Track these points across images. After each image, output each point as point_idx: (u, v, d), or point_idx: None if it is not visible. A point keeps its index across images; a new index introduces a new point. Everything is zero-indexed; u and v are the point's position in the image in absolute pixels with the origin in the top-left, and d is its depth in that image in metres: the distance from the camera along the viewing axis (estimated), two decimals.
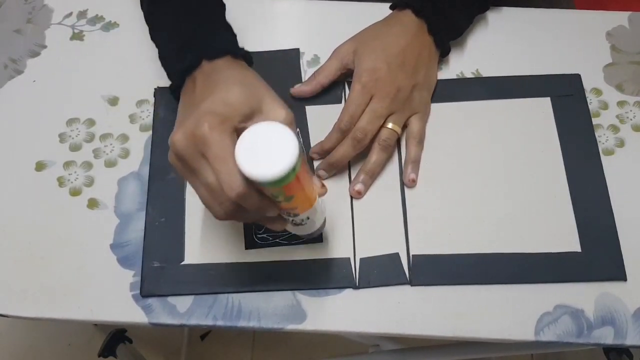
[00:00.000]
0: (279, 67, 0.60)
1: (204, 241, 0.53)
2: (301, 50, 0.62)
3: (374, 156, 0.54)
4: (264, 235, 0.52)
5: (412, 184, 0.54)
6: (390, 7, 0.60)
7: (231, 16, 0.64)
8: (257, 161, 0.34)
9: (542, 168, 0.56)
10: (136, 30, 0.61)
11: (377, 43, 0.56)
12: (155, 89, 0.60)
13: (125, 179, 0.56)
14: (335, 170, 0.55)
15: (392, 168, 0.56)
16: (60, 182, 0.55)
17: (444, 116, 0.58)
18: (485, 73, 0.61)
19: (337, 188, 0.55)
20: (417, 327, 0.49)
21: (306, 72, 0.61)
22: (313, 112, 0.58)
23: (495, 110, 0.58)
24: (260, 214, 0.41)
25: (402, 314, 0.50)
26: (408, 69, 0.55)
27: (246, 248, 0.52)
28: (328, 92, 0.59)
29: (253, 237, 0.52)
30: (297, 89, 0.58)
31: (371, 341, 0.80)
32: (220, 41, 0.49)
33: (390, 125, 0.54)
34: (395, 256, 0.52)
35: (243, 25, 0.63)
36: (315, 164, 0.56)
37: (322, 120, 0.57)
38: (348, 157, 0.54)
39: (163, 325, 0.50)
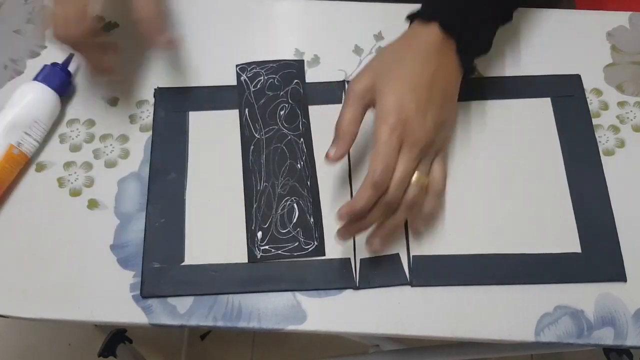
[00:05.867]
0: (284, 77, 0.60)
1: (204, 242, 0.53)
2: (301, 50, 0.62)
3: (400, 214, 0.48)
4: (267, 247, 0.52)
5: (418, 235, 0.50)
6: (409, 18, 0.52)
7: (231, 16, 0.64)
8: None
9: (542, 168, 0.56)
10: (136, 30, 0.61)
11: (400, 73, 0.48)
12: (155, 89, 0.60)
13: (125, 180, 0.56)
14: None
15: None
16: (60, 182, 0.55)
17: None
18: (485, 73, 0.61)
19: (338, 188, 0.55)
20: (417, 328, 0.49)
21: (306, 71, 0.61)
22: (315, 112, 0.58)
23: (495, 111, 0.58)
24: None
25: (402, 315, 0.50)
26: (436, 102, 0.48)
27: (249, 262, 0.52)
28: (328, 92, 0.59)
29: (255, 250, 0.52)
30: (333, 155, 0.47)
31: (371, 341, 0.80)
32: None
33: (415, 177, 0.47)
34: (396, 257, 0.52)
35: (243, 25, 0.63)
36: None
37: (324, 119, 0.57)
38: (376, 222, 0.48)
39: (163, 326, 0.50)
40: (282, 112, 0.58)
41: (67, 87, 0.59)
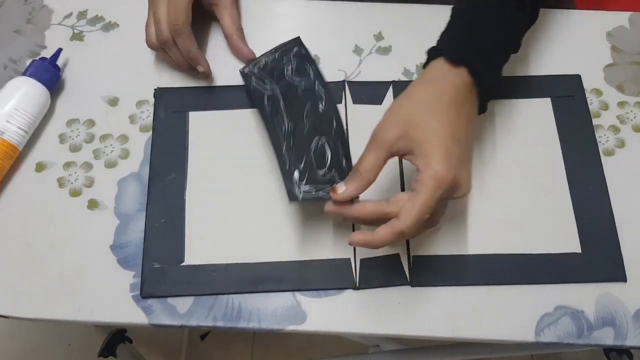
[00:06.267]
0: (284, 52, 0.60)
1: (204, 242, 0.53)
2: None
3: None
4: (307, 187, 0.49)
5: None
6: (431, 52, 0.49)
7: None
8: None
9: (543, 168, 0.56)
10: (136, 30, 0.61)
11: (439, 125, 0.45)
12: (155, 89, 0.60)
13: (125, 180, 0.56)
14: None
15: (393, 169, 0.56)
16: (60, 182, 0.55)
17: None
18: None
19: (289, 201, 0.54)
20: (417, 328, 0.49)
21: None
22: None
23: (495, 111, 0.58)
24: (185, 54, 0.57)
25: (402, 315, 0.50)
26: (470, 151, 0.48)
27: (290, 200, 0.49)
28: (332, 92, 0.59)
29: (295, 190, 0.48)
30: (342, 193, 0.46)
31: (371, 341, 0.80)
32: None
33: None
34: (396, 257, 0.52)
35: (243, 25, 0.63)
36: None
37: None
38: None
39: (163, 326, 0.50)
40: (288, 70, 0.56)
41: (56, 81, 0.59)
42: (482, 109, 0.50)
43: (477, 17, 0.51)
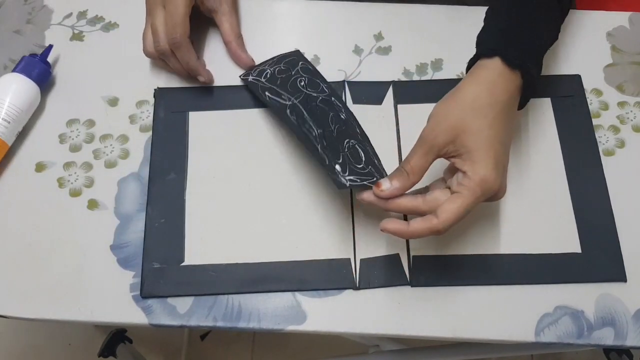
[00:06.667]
0: (288, 63, 0.60)
1: (203, 242, 0.53)
2: (301, 51, 0.62)
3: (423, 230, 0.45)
4: (351, 177, 0.48)
5: None
6: (483, 51, 0.48)
7: None
8: None
9: (543, 168, 0.56)
10: (136, 30, 0.61)
11: (490, 133, 0.45)
12: (155, 89, 0.60)
13: (125, 180, 0.56)
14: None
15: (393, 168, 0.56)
16: (60, 183, 0.55)
17: None
18: None
19: (338, 189, 0.55)
20: (417, 328, 0.49)
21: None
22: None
23: None
24: (184, 65, 0.57)
25: (402, 315, 0.50)
26: (508, 161, 0.47)
27: (339, 188, 0.48)
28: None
29: (341, 180, 0.48)
30: (387, 189, 0.45)
31: (371, 341, 0.80)
32: None
33: None
34: (396, 257, 0.52)
35: (243, 26, 0.63)
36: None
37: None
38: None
39: (163, 326, 0.50)
40: (302, 83, 0.56)
41: (47, 77, 0.59)
42: (520, 108, 0.50)
43: (523, 12, 0.50)
